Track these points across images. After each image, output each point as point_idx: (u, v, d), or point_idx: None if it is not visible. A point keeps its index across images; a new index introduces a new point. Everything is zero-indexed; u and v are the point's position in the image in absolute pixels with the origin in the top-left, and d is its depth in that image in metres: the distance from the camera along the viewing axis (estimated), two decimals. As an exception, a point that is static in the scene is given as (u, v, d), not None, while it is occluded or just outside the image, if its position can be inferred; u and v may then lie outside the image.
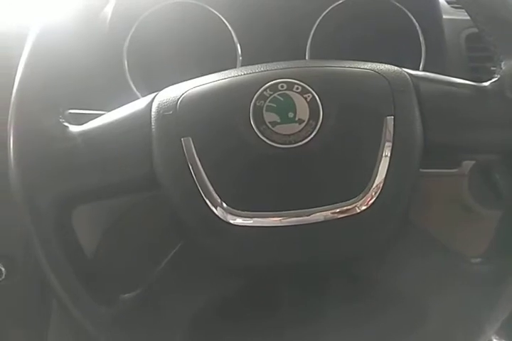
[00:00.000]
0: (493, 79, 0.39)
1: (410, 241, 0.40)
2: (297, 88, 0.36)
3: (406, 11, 0.59)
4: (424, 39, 0.58)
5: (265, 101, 0.36)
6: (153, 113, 0.38)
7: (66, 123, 0.39)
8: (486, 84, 0.39)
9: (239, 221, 0.36)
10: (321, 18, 0.59)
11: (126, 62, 0.58)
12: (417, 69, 0.41)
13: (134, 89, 0.58)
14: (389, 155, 0.36)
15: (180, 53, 0.59)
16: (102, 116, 0.40)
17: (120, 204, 0.54)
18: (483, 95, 0.39)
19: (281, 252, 0.37)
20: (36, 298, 0.60)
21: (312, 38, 0.59)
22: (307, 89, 0.36)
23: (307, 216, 0.36)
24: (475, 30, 0.62)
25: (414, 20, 0.58)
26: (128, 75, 0.58)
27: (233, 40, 0.58)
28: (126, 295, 0.39)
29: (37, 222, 0.38)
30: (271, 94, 0.36)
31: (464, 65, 0.60)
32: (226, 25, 0.58)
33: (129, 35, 0.58)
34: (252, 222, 0.36)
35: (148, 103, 0.38)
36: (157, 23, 0.58)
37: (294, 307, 0.53)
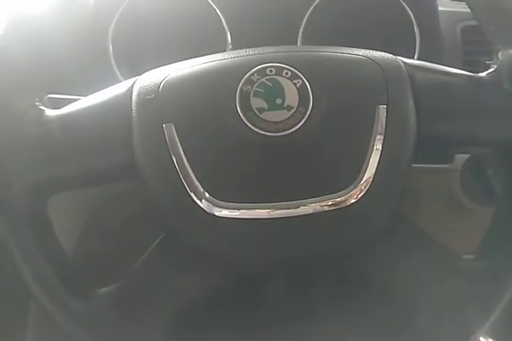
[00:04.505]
0: (490, 70, 0.38)
1: (401, 237, 0.39)
2: (286, 73, 0.34)
3: (401, 0, 0.58)
4: (419, 30, 0.57)
5: (252, 86, 0.34)
6: (134, 97, 0.36)
7: (42, 107, 0.37)
8: (483, 74, 0.38)
9: (224, 213, 0.34)
10: (313, 6, 0.57)
11: (110, 47, 0.56)
12: (412, 60, 0.41)
13: (119, 74, 0.56)
14: (380, 148, 0.35)
15: (168, 39, 0.57)
16: (80, 100, 0.38)
17: (100, 195, 0.52)
18: (480, 86, 0.38)
19: (269, 245, 0.36)
20: (13, 293, 0.58)
21: (304, 27, 0.57)
22: (297, 75, 0.34)
23: (296, 208, 0.34)
24: (471, 22, 0.62)
25: (408, 11, 0.57)
26: (113, 60, 0.56)
27: (223, 27, 0.56)
28: (104, 289, 0.38)
29: (9, 212, 0.36)
30: (258, 79, 0.34)
31: (459, 58, 0.59)
32: (216, 11, 0.57)
33: (115, 18, 0.56)
34: (238, 213, 0.34)
35: (130, 86, 0.37)
36: (145, 7, 0.56)
37: (282, 304, 0.52)
